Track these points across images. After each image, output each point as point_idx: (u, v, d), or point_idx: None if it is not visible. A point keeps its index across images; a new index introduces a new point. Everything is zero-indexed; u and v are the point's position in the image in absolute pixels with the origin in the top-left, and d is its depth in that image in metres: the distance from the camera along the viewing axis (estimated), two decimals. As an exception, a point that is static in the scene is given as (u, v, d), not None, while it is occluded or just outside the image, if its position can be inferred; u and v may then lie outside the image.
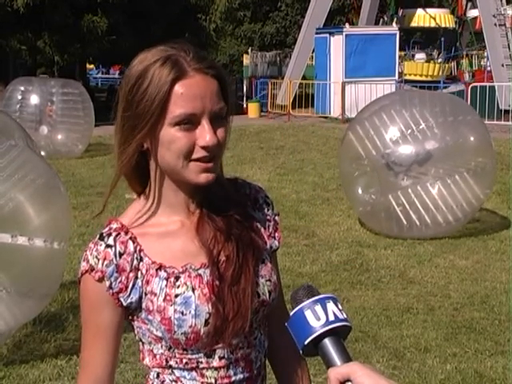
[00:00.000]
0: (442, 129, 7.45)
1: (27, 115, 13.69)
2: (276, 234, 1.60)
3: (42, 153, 11.39)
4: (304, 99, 21.66)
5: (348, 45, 21.44)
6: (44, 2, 20.03)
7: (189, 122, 1.38)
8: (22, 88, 14.19)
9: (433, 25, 26.45)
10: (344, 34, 21.64)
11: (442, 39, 27.36)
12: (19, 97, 14.05)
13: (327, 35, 22.13)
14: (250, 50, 33.19)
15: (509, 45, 21.50)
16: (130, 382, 4.30)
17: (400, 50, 24.53)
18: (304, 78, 24.35)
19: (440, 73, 24.25)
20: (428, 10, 27.14)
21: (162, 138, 1.39)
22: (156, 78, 1.38)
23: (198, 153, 1.39)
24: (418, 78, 23.05)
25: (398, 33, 22.43)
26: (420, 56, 25.60)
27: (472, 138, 7.59)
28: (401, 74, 23.23)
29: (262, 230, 1.56)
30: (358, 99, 19.19)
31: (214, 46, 28.16)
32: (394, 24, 23.32)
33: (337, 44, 21.74)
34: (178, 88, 1.37)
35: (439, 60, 26.31)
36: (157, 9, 22.35)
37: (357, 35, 21.82)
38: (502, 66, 21.27)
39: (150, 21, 22.26)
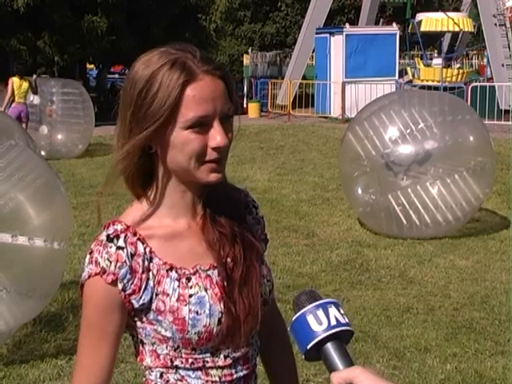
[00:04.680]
0: (441, 128, 7.45)
1: (27, 115, 13.70)
2: (263, 237, 1.63)
3: (42, 153, 11.44)
4: (304, 99, 21.67)
5: (348, 45, 21.44)
6: (44, 2, 20.02)
7: (201, 125, 1.39)
8: (22, 88, 14.19)
9: (450, 29, 25.60)
10: (344, 33, 21.64)
11: (442, 39, 27.25)
12: (19, 97, 14.05)
13: (327, 35, 22.13)
14: (250, 50, 33.20)
15: (509, 45, 21.49)
16: (130, 381, 4.30)
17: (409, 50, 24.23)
18: (304, 77, 24.35)
19: (458, 78, 23.76)
20: (449, 13, 26.48)
21: (174, 140, 1.40)
22: (166, 82, 1.38)
23: (210, 155, 1.41)
24: (435, 83, 22.55)
25: (398, 33, 22.40)
26: (437, 61, 25.20)
27: (471, 138, 7.60)
28: (399, 75, 23.02)
29: (255, 233, 1.59)
30: (358, 99, 19.19)
31: (214, 46, 28.13)
32: (394, 24, 23.28)
33: (337, 44, 21.74)
34: (190, 91, 1.38)
35: (457, 65, 26.06)
36: (157, 9, 22.33)
37: (357, 35, 21.81)
38: (502, 65, 21.27)
39: (150, 21, 22.24)
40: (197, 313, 1.41)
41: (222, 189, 1.49)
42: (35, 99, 13.78)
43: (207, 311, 1.42)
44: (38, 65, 25.26)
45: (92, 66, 37.10)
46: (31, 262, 4.28)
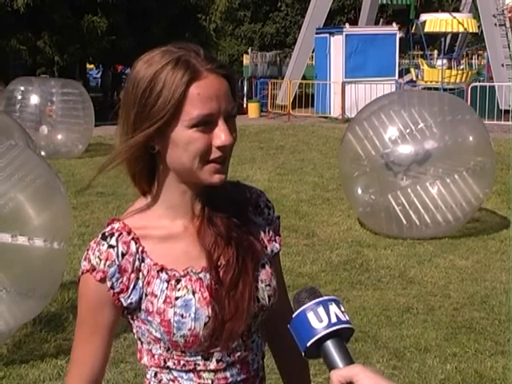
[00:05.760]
0: (440, 128, 7.45)
1: (27, 115, 13.69)
2: (277, 238, 1.61)
3: (42, 153, 11.44)
4: (304, 99, 21.66)
5: (348, 45, 21.44)
6: (44, 2, 20.02)
7: (206, 123, 1.38)
8: (22, 88, 14.20)
9: (455, 29, 25.29)
10: (344, 34, 21.65)
11: (442, 39, 27.22)
12: (19, 97, 14.05)
13: (327, 35, 22.13)
14: (250, 50, 33.24)
15: (509, 45, 21.49)
16: (130, 381, 4.30)
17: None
18: (304, 77, 24.35)
19: (463, 79, 23.56)
20: (454, 14, 26.15)
21: (177, 139, 1.39)
22: (170, 81, 1.37)
23: (215, 154, 1.40)
24: (439, 85, 22.38)
25: (397, 33, 22.40)
26: (441, 62, 25.02)
27: (471, 138, 7.60)
28: (399, 75, 22.91)
29: (262, 234, 1.57)
30: (358, 99, 19.19)
31: (214, 46, 28.12)
32: (393, 24, 23.27)
33: (337, 44, 21.75)
34: (194, 89, 1.37)
35: (461, 66, 25.96)
36: (157, 9, 22.33)
37: (357, 35, 21.82)
38: (502, 65, 21.27)
39: (150, 21, 22.23)
40: (182, 316, 1.41)
41: (222, 188, 1.48)
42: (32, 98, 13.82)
43: (192, 315, 1.41)
44: (38, 65, 25.25)
45: (92, 65, 37.12)
46: (31, 262, 4.28)
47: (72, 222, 6.75)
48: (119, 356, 4.49)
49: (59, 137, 13.97)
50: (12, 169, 4.23)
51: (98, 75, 40.90)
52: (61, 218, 4.45)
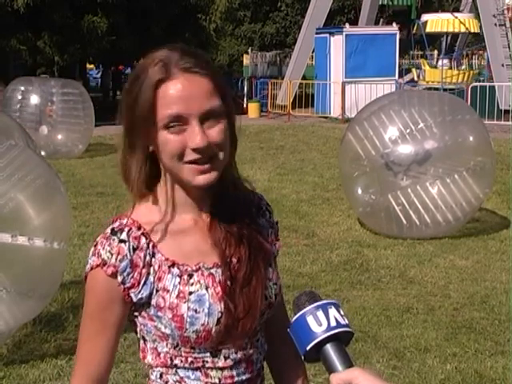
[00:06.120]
0: (440, 128, 7.45)
1: (27, 115, 13.70)
2: (276, 242, 1.62)
3: (42, 153, 11.43)
4: (304, 99, 21.66)
5: (348, 45, 21.43)
6: (44, 2, 20.01)
7: (177, 124, 1.37)
8: (22, 88, 14.20)
9: (456, 29, 25.13)
10: (344, 34, 21.64)
11: (442, 39, 27.19)
12: (19, 97, 14.06)
13: (327, 35, 22.12)
14: (250, 50, 33.25)
15: (509, 45, 21.48)
16: (130, 381, 4.30)
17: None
18: (304, 77, 24.35)
19: (464, 79, 23.45)
20: (455, 14, 26.01)
21: (158, 140, 1.40)
22: (145, 82, 1.39)
23: (190, 155, 1.38)
24: (439, 85, 22.24)
25: (397, 33, 22.39)
26: (443, 62, 24.93)
27: (471, 138, 7.60)
28: (399, 75, 22.86)
29: (266, 235, 1.58)
30: (358, 99, 19.17)
31: (214, 46, 28.13)
32: (394, 24, 23.25)
33: (337, 44, 21.74)
34: (163, 90, 1.37)
35: (463, 67, 25.91)
36: (157, 9, 22.32)
37: (357, 35, 21.81)
38: (502, 65, 21.26)
39: (150, 21, 22.24)
40: (195, 311, 1.41)
41: (232, 188, 1.49)
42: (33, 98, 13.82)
43: (206, 310, 1.41)
44: (38, 65, 25.26)
45: (92, 65, 37.13)
46: (31, 262, 4.28)
47: (72, 222, 6.75)
48: (119, 356, 4.49)
49: (59, 137, 13.98)
50: (12, 169, 4.23)
51: (98, 75, 40.88)
52: (61, 218, 4.45)
